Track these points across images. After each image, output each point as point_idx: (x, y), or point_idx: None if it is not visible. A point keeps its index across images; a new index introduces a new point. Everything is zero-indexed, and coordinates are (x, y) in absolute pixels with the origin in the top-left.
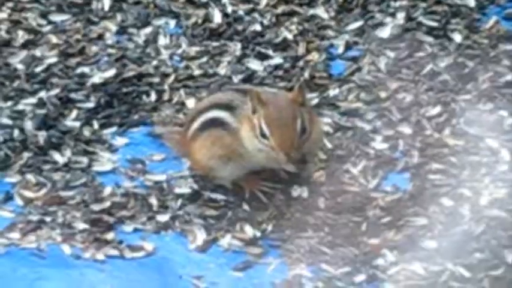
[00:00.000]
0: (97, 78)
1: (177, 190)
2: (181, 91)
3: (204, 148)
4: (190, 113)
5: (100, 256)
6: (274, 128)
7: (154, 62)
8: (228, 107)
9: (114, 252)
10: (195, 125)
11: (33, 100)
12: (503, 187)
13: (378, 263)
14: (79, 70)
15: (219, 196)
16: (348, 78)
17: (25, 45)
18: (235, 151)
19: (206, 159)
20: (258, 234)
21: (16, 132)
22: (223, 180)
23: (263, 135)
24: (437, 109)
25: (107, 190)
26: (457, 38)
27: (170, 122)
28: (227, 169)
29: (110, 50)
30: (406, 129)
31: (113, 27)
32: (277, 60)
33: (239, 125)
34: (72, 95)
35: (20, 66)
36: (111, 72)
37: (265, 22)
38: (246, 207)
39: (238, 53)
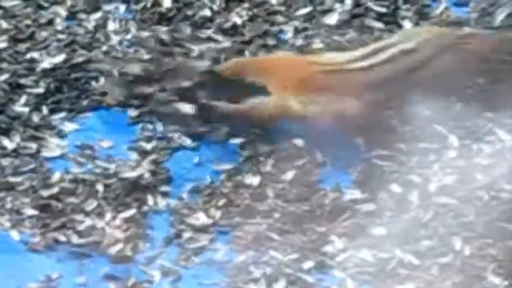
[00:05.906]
0: (46, 63)
1: (124, 175)
2: None
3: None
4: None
5: (49, 242)
6: None
7: (104, 48)
8: None
9: (63, 238)
10: None
11: None
12: (452, 174)
13: (326, 249)
14: (28, 55)
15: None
16: None
17: None
18: None
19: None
20: (208, 221)
21: None
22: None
23: None
24: None
25: (56, 176)
26: (407, 24)
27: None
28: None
29: (60, 36)
30: None
31: (63, 13)
32: (226, 45)
33: None
34: (22, 81)
35: None
36: (61, 58)
37: (215, 7)
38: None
39: None
